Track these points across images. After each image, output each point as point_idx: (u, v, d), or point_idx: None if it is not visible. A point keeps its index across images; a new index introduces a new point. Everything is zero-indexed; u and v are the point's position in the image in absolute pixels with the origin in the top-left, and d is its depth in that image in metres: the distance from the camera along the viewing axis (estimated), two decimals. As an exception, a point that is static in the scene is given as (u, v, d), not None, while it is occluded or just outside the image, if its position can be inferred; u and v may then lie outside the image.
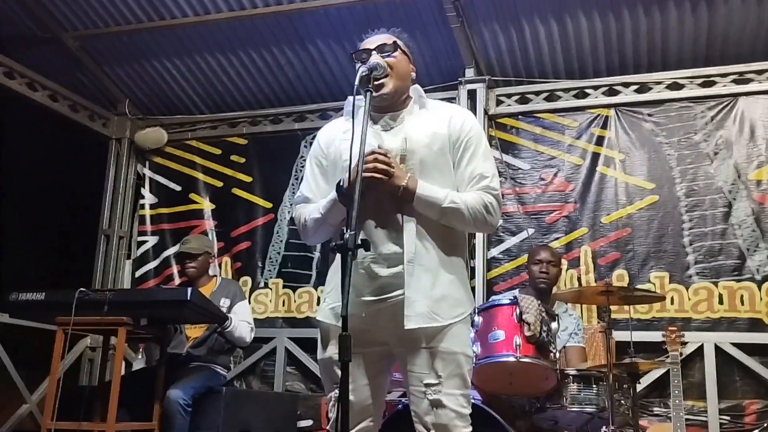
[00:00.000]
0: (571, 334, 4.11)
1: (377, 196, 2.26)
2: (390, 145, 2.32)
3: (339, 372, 2.19)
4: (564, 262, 5.12)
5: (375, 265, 2.26)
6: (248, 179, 6.10)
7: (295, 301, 5.73)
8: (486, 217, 2.32)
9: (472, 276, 5.19)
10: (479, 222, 2.33)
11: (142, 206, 6.34)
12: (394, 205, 2.28)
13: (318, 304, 5.60)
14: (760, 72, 5.03)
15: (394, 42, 2.40)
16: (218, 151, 6.25)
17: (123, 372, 4.57)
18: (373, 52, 2.37)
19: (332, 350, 2.27)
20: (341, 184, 2.25)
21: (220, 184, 6.18)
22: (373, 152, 2.22)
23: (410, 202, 2.26)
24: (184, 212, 6.20)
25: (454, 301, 2.29)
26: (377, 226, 2.28)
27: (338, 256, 2.24)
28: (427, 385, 2.22)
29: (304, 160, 5.78)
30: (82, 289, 3.70)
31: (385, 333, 2.30)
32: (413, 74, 2.48)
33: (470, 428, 2.26)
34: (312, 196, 2.45)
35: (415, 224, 2.27)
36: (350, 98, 2.36)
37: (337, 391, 2.23)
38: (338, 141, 2.40)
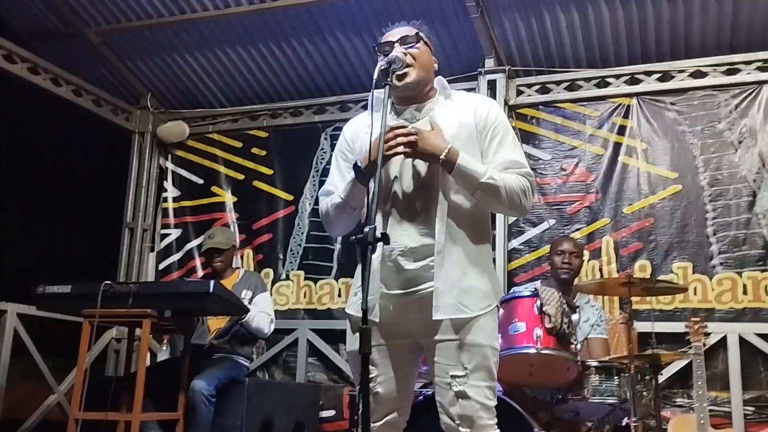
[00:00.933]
0: (593, 326, 4.09)
1: (406, 186, 2.28)
2: None
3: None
4: (586, 253, 5.08)
5: (402, 258, 2.27)
6: (269, 172, 6.13)
7: (316, 293, 5.76)
8: (522, 200, 2.32)
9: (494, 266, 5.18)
10: (514, 204, 2.32)
11: (165, 199, 6.40)
12: (424, 193, 2.29)
13: (339, 296, 5.66)
14: (785, 59, 4.97)
15: (417, 33, 2.41)
16: (239, 144, 6.29)
17: (148, 363, 4.64)
18: (396, 44, 2.38)
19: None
20: (358, 164, 2.26)
21: (241, 176, 6.22)
22: (391, 128, 2.23)
23: (436, 188, 2.27)
24: (207, 205, 6.25)
25: (481, 293, 2.30)
26: (405, 218, 2.29)
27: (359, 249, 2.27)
28: (453, 377, 2.23)
29: (325, 152, 5.94)
30: (107, 281, 3.75)
31: (413, 325, 2.31)
32: (436, 66, 2.48)
33: (495, 420, 2.27)
34: (336, 190, 2.46)
35: (446, 216, 2.28)
36: (372, 92, 2.37)
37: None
38: (364, 135, 2.40)
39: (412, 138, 2.23)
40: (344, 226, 2.49)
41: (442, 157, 2.23)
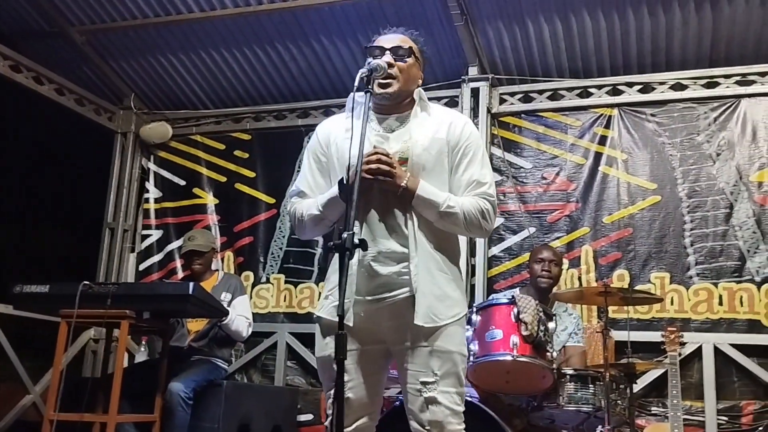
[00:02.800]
0: (571, 334, 4.13)
1: (382, 196, 2.30)
2: (392, 147, 2.35)
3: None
4: (565, 262, 5.14)
5: (376, 263, 2.29)
6: (251, 174, 6.14)
7: (296, 297, 5.76)
8: (481, 222, 2.36)
9: (473, 274, 5.22)
10: (474, 227, 2.37)
11: (147, 200, 6.38)
12: (399, 204, 2.31)
13: (319, 300, 5.65)
14: (763, 74, 5.04)
15: (410, 48, 2.43)
16: (222, 146, 6.29)
17: (126, 364, 4.62)
18: (387, 52, 2.39)
19: (332, 347, 2.29)
20: (344, 181, 2.26)
21: (223, 179, 6.21)
22: (376, 152, 2.26)
23: (410, 201, 2.29)
24: (188, 206, 6.24)
25: (452, 302, 2.33)
26: (380, 224, 2.31)
27: (337, 254, 2.29)
28: (423, 383, 2.25)
29: (308, 156, 5.92)
30: (85, 282, 3.74)
31: (383, 331, 2.33)
32: (420, 81, 2.50)
33: (463, 425, 2.29)
34: (308, 191, 2.48)
35: (419, 226, 2.31)
36: (352, 95, 2.38)
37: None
38: (340, 139, 2.41)
39: (390, 170, 2.25)
40: (314, 234, 2.53)
41: (401, 189, 2.27)
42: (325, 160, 2.47)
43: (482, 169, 2.42)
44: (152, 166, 6.43)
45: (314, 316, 2.44)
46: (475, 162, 2.41)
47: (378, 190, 2.29)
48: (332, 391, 2.31)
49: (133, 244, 6.33)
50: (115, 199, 6.30)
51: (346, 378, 2.27)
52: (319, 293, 5.66)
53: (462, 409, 2.30)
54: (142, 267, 6.25)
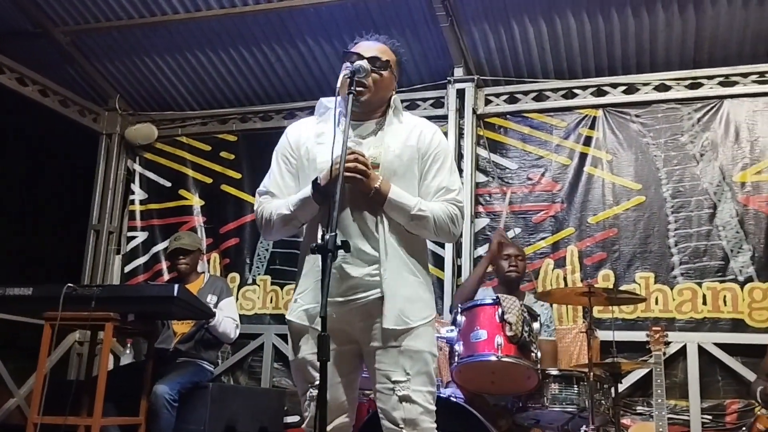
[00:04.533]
0: (542, 326, 4.14)
1: (354, 198, 2.32)
2: (366, 152, 2.36)
3: (313, 372, 2.26)
4: (550, 262, 5.18)
5: (347, 265, 2.30)
6: (237, 176, 6.13)
7: (282, 298, 5.76)
8: (450, 228, 2.40)
9: (459, 274, 5.23)
10: (443, 232, 2.41)
11: (132, 202, 6.36)
12: (370, 207, 2.34)
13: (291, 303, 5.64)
14: (745, 75, 5.08)
15: (387, 61, 2.44)
16: (208, 148, 6.28)
17: (111, 367, 4.60)
18: (364, 61, 2.39)
19: (306, 351, 2.33)
20: (318, 181, 2.28)
21: (209, 180, 6.20)
22: (353, 152, 2.27)
23: (381, 204, 2.32)
24: (174, 208, 6.22)
25: (423, 304, 2.38)
26: (352, 226, 2.33)
27: (307, 257, 2.33)
28: (396, 382, 2.28)
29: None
30: (69, 284, 3.72)
31: (355, 332, 2.36)
32: (393, 91, 2.52)
33: (435, 424, 2.32)
34: (277, 191, 2.48)
35: (389, 228, 2.34)
36: (322, 100, 2.41)
37: (311, 390, 2.29)
38: (311, 143, 2.44)
39: (366, 170, 2.27)
40: (282, 235, 2.53)
41: (373, 190, 2.29)
42: (295, 162, 2.49)
43: (451, 176, 2.47)
44: (138, 168, 6.41)
45: (286, 319, 2.43)
46: (444, 169, 2.46)
47: (350, 192, 2.31)
48: (308, 393, 2.34)
49: (119, 246, 6.30)
50: (100, 200, 6.27)
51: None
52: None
53: (434, 408, 2.33)
54: (127, 269, 6.22)
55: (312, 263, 2.32)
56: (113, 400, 3.79)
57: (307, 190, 2.33)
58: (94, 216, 6.23)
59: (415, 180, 2.42)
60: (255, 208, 2.55)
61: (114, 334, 3.80)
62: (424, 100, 5.62)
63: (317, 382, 2.24)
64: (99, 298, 3.68)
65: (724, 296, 4.83)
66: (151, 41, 5.79)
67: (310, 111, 6.06)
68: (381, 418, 2.32)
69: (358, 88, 2.34)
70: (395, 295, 2.30)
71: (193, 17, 5.48)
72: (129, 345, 5.14)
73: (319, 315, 1.98)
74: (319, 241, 2.06)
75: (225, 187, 6.13)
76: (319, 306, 2.19)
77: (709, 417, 4.70)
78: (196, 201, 6.19)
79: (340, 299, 2.31)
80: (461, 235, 5.07)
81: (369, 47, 2.46)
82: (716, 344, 4.76)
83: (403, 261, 2.35)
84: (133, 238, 6.28)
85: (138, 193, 6.36)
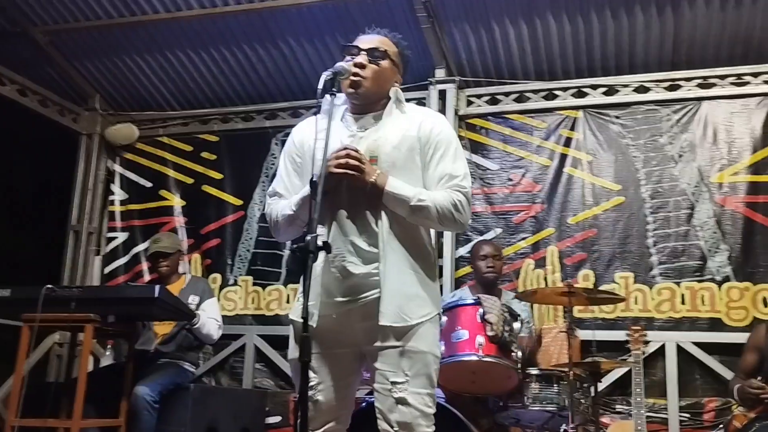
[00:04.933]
0: (523, 323, 4.17)
1: (351, 194, 2.30)
2: (362, 146, 2.35)
3: (309, 372, 2.24)
4: (531, 262, 5.21)
5: (349, 264, 2.28)
6: (219, 176, 6.10)
7: (264, 299, 5.74)
8: (455, 215, 2.34)
9: (440, 275, 5.24)
10: (448, 220, 2.35)
11: (112, 202, 6.31)
12: (369, 203, 2.31)
13: (287, 301, 5.66)
14: (723, 77, 5.14)
15: (385, 51, 2.43)
16: (189, 148, 6.25)
17: (91, 368, 4.57)
18: (363, 52, 2.40)
19: None
20: (314, 179, 2.25)
21: (190, 180, 6.17)
22: (345, 148, 2.26)
23: (379, 198, 2.29)
24: (155, 209, 6.19)
25: (422, 301, 2.33)
26: (351, 224, 2.31)
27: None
28: (394, 383, 2.24)
29: (275, 158, 5.94)
30: (49, 285, 3.69)
31: (356, 333, 2.33)
32: (396, 83, 2.50)
33: (433, 428, 2.28)
34: (285, 192, 2.47)
35: (390, 225, 2.30)
36: (327, 97, 2.39)
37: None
38: (312, 140, 2.41)
39: (360, 165, 2.26)
40: (291, 235, 2.50)
41: (369, 184, 2.27)
42: (300, 161, 2.47)
43: (455, 163, 2.41)
44: (118, 168, 6.37)
45: (288, 318, 2.43)
46: (447, 156, 2.41)
47: (347, 188, 2.29)
48: None
49: (99, 246, 6.26)
50: (80, 201, 6.21)
51: (316, 380, 2.30)
52: (288, 295, 5.70)
53: (432, 411, 2.29)
54: (107, 270, 6.18)
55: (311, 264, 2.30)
56: (93, 402, 3.77)
57: (306, 189, 2.30)
58: (73, 216, 6.17)
59: (417, 171, 2.38)
60: (264, 210, 2.55)
61: (94, 336, 3.79)
62: (406, 101, 5.61)
63: (312, 383, 2.27)
64: (79, 300, 3.67)
65: (702, 296, 4.88)
66: (131, 41, 5.75)
67: (293, 112, 6.16)
68: (378, 419, 2.29)
69: (356, 79, 2.35)
70: (393, 291, 2.26)
71: (174, 17, 5.45)
72: (109, 346, 5.12)
73: (305, 315, 1.96)
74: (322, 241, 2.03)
75: (206, 188, 6.11)
76: (313, 305, 2.22)
77: (687, 415, 4.75)
78: (177, 201, 6.16)
79: (342, 299, 2.29)
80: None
81: (368, 39, 2.46)
82: (694, 343, 4.82)
83: (404, 257, 2.31)
84: (114, 238, 6.24)
85: (118, 194, 6.32)
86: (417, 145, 2.39)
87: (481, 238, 5.34)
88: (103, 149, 6.37)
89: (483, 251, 4.39)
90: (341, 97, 2.44)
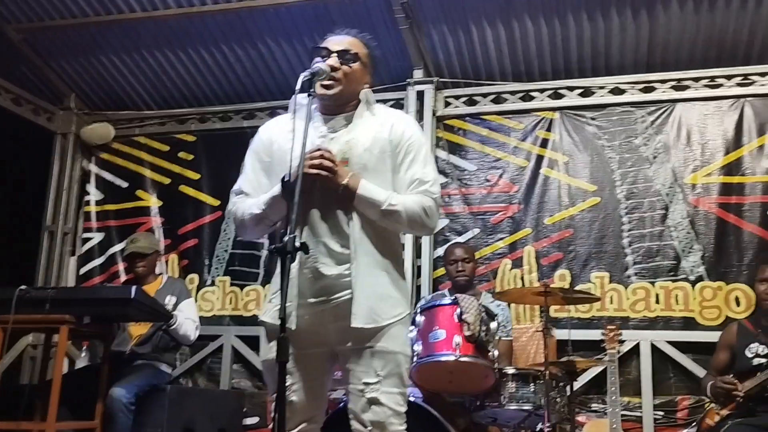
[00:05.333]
0: (499, 326, 4.20)
1: (323, 195, 2.30)
2: (334, 147, 2.35)
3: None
4: (508, 262, 5.24)
5: (321, 265, 2.29)
6: (196, 176, 6.08)
7: (242, 299, 5.73)
8: (424, 220, 2.37)
9: (419, 275, 5.27)
10: (417, 224, 2.38)
11: (88, 202, 6.26)
12: (340, 204, 2.31)
13: (264, 303, 5.63)
14: (696, 79, 5.21)
15: (356, 53, 2.43)
16: (166, 148, 6.21)
17: (66, 370, 4.52)
18: (333, 54, 2.40)
19: (275, 351, 2.30)
20: (286, 179, 2.26)
21: (167, 181, 6.14)
22: (318, 149, 2.27)
23: (351, 200, 2.30)
24: (131, 209, 6.15)
25: (394, 301, 2.34)
26: (323, 225, 2.31)
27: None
28: (366, 384, 2.26)
29: (253, 158, 5.90)
30: (23, 286, 3.66)
31: (328, 334, 2.33)
32: (366, 85, 2.50)
33: (405, 426, 2.30)
34: (251, 190, 2.46)
35: (361, 226, 2.31)
36: (294, 96, 2.39)
37: None
38: (282, 139, 2.41)
39: (333, 167, 2.26)
40: (256, 234, 2.52)
41: (341, 187, 2.28)
42: (268, 160, 2.46)
43: (425, 168, 2.42)
44: (93, 168, 6.32)
45: (258, 319, 2.42)
46: (418, 161, 2.42)
47: (320, 189, 2.30)
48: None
49: (74, 247, 6.21)
50: (55, 201, 6.17)
51: (289, 381, 2.28)
52: (266, 295, 5.64)
53: (404, 409, 2.31)
54: (82, 271, 6.13)
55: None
56: (68, 405, 3.74)
57: (276, 189, 2.31)
58: (48, 217, 6.12)
59: (388, 173, 2.39)
60: (229, 207, 2.53)
61: (69, 337, 3.75)
62: (384, 101, 5.61)
63: (287, 384, 2.27)
64: (53, 301, 3.63)
65: (676, 295, 4.95)
66: (107, 40, 5.71)
67: (270, 112, 6.14)
68: (350, 419, 2.30)
69: (327, 82, 2.35)
70: (365, 292, 2.27)
71: (150, 16, 5.41)
72: (84, 348, 5.06)
73: (283, 316, 1.96)
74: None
75: (183, 188, 6.08)
76: (290, 306, 2.21)
77: (662, 413, 4.82)
78: (153, 202, 6.12)
79: (314, 300, 2.29)
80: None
81: (338, 41, 2.45)
82: (668, 342, 4.88)
83: (375, 258, 2.32)
84: (89, 239, 6.19)
85: (94, 194, 6.27)
86: (388, 148, 2.40)
87: (459, 238, 5.38)
88: (79, 149, 6.33)
89: (453, 255, 4.40)
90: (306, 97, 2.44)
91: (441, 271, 5.38)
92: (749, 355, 3.57)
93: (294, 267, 2.23)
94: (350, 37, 2.49)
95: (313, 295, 2.29)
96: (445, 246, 4.90)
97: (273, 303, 2.36)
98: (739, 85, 5.15)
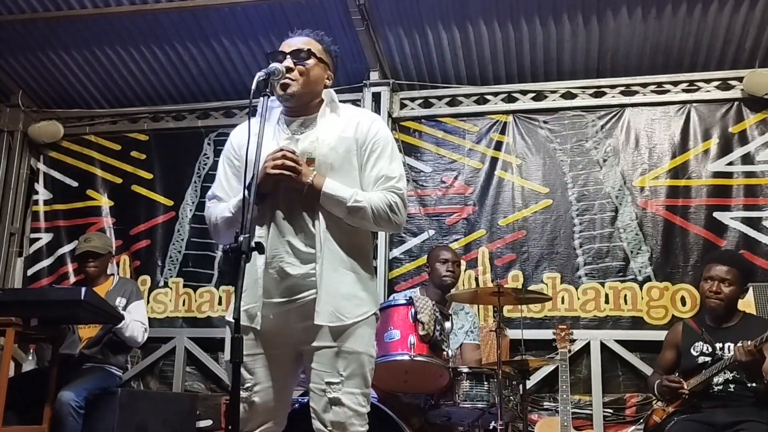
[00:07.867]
0: (467, 332, 4.26)
1: (288, 196, 2.31)
2: (299, 148, 2.37)
3: (246, 374, 2.26)
4: (463, 263, 5.29)
5: (286, 264, 2.29)
6: (149, 176, 6.00)
7: (195, 301, 5.66)
8: (390, 216, 2.38)
9: (374, 274, 5.27)
10: (383, 221, 2.38)
11: (36, 202, 6.13)
12: (306, 204, 2.32)
13: (219, 303, 5.59)
14: (644, 85, 5.35)
15: (309, 50, 2.43)
16: (118, 147, 6.12)
17: (12, 373, 4.41)
18: (288, 56, 2.40)
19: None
20: (250, 181, 2.26)
21: (119, 180, 6.04)
22: (281, 149, 2.27)
23: (317, 200, 2.31)
24: (81, 209, 6.03)
25: (359, 301, 2.35)
26: (288, 225, 2.32)
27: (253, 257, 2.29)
28: (328, 383, 2.27)
29: (207, 158, 5.88)
30: (-33, 288, 3.57)
31: (293, 333, 2.33)
32: (328, 81, 2.52)
33: (367, 427, 2.31)
34: (224, 195, 2.47)
35: (326, 226, 2.32)
36: (261, 99, 2.39)
37: (243, 392, 2.27)
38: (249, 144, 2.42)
39: (296, 167, 2.27)
40: (230, 237, 2.49)
41: (306, 186, 2.29)
42: (239, 164, 2.46)
43: (391, 164, 2.44)
44: (42, 167, 6.19)
45: (225, 320, 2.41)
46: (384, 157, 2.43)
47: (285, 190, 2.31)
48: (240, 395, 2.30)
49: (21, 248, 6.07)
50: (1, 201, 6.01)
51: (252, 381, 2.32)
52: (220, 297, 5.63)
53: (366, 410, 2.32)
54: (30, 272, 6.00)
55: (252, 263, 2.23)
56: (15, 409, 3.67)
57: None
58: (-6, 217, 5.98)
59: (355, 172, 2.40)
60: (205, 214, 2.53)
61: (16, 340, 3.66)
62: (340, 102, 5.63)
63: (248, 384, 2.29)
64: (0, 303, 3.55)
65: (625, 295, 5.06)
66: (57, 36, 5.60)
67: (225, 111, 6.09)
68: (312, 419, 2.30)
69: (283, 82, 2.35)
70: (329, 291, 2.27)
71: (102, 12, 5.32)
72: (32, 351, 4.95)
73: (237, 316, 1.95)
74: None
75: (136, 188, 5.99)
76: (256, 306, 2.25)
77: (611, 411, 4.93)
78: (104, 201, 6.02)
79: (280, 300, 2.30)
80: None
81: (291, 42, 2.47)
82: (617, 341, 4.99)
83: (340, 257, 2.32)
84: (37, 239, 6.06)
85: (42, 193, 6.14)
86: (354, 146, 2.42)
87: (414, 239, 5.42)
88: (26, 147, 6.20)
89: (444, 255, 4.36)
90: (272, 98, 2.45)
91: (397, 271, 5.43)
92: (694, 353, 3.66)
93: (260, 267, 2.25)
94: (303, 36, 2.50)
95: (279, 294, 2.30)
96: (433, 247, 4.87)
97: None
98: (686, 91, 5.29)
